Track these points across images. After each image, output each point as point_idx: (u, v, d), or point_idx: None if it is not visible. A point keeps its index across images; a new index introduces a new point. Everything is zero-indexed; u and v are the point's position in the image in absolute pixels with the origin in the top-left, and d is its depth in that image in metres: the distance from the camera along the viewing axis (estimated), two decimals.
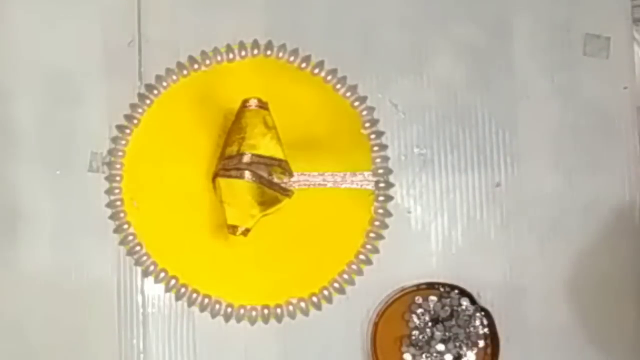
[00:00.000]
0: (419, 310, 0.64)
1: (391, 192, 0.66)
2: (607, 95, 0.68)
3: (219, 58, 0.67)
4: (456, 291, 0.65)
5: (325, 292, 0.65)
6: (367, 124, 0.67)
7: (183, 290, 0.64)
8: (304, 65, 0.67)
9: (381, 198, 0.66)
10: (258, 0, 0.67)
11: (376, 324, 0.64)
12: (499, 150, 0.67)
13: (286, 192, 0.64)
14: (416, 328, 0.64)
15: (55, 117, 0.65)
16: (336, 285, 0.65)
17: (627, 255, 0.66)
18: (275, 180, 0.63)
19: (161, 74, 0.66)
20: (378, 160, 0.66)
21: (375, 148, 0.67)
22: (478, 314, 0.64)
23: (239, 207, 0.62)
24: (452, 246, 0.66)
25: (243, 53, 0.66)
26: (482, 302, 0.65)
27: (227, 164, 0.62)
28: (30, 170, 0.64)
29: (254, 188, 0.62)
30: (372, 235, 0.66)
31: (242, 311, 0.64)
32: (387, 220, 0.66)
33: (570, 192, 0.67)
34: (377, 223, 0.66)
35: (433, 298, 0.64)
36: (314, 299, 0.65)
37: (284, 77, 0.67)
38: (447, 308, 0.64)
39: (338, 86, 0.67)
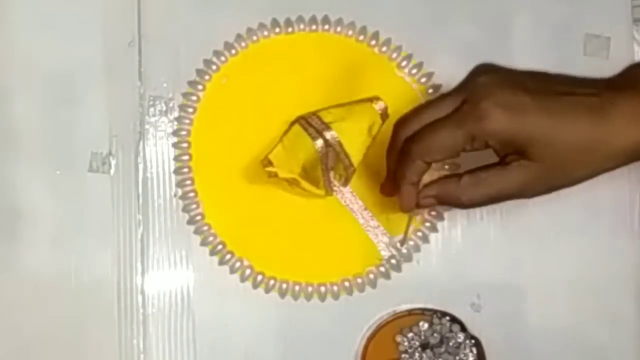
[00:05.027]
0: (410, 335, 0.64)
1: None
2: None
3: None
4: (447, 318, 0.64)
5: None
6: None
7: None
8: None
9: None
10: (259, 1, 0.67)
11: (365, 347, 0.64)
12: None
13: (327, 190, 0.63)
14: (406, 352, 0.63)
15: (55, 117, 0.65)
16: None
17: (627, 255, 0.67)
18: (331, 174, 0.63)
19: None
20: None
21: None
22: (468, 342, 0.64)
23: (288, 154, 0.61)
24: (452, 246, 0.66)
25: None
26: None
27: (313, 120, 0.61)
28: (30, 170, 0.64)
29: (314, 157, 0.61)
30: None
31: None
32: None
33: (570, 192, 0.67)
34: None
35: (424, 324, 0.64)
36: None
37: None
38: (436, 335, 0.63)
39: None
